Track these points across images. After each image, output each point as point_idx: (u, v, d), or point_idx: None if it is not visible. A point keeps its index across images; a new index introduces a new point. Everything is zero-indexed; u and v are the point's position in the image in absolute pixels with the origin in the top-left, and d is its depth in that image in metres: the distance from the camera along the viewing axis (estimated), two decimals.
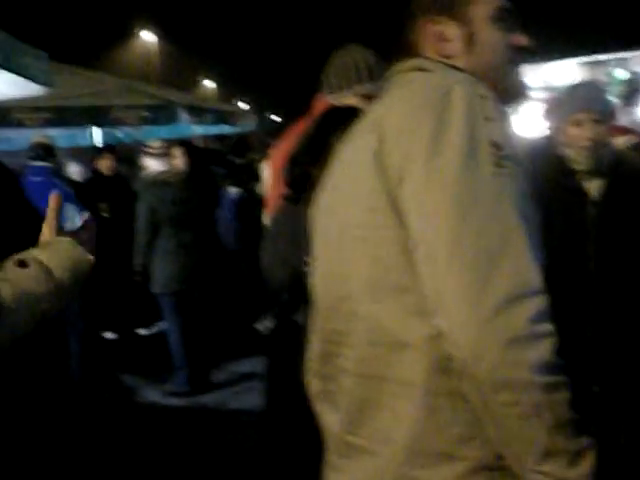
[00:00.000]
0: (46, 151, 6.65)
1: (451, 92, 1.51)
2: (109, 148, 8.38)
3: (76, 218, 6.36)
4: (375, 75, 3.26)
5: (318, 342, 1.83)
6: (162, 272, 6.73)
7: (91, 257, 1.92)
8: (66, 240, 1.87)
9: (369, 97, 3.27)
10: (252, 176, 9.00)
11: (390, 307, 1.57)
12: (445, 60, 1.75)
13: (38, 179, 6.39)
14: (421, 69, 1.73)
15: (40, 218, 1.96)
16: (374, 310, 1.60)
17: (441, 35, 1.76)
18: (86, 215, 6.49)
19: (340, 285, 1.70)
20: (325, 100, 3.38)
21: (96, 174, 8.23)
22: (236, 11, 71.26)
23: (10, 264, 1.75)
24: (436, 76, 1.66)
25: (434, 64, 1.73)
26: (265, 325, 2.94)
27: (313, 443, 2.91)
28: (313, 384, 1.87)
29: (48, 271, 1.77)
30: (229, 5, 69.41)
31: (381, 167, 1.55)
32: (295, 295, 2.87)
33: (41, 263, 1.77)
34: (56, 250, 1.84)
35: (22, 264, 1.75)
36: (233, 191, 8.26)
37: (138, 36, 52.08)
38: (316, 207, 1.91)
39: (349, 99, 3.27)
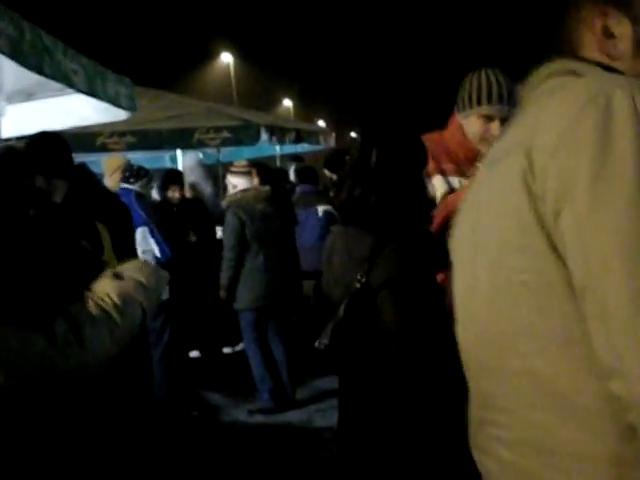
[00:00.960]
0: (131, 174, 6.82)
1: (613, 99, 1.26)
2: (174, 176, 8.39)
3: (151, 243, 6.51)
4: (510, 97, 3.31)
5: (472, 408, 1.61)
6: (248, 288, 6.83)
7: (167, 276, 2.08)
8: (137, 260, 2.08)
9: (489, 117, 3.34)
10: None
11: (557, 362, 1.34)
12: (607, 61, 1.47)
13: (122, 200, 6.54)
14: (572, 72, 1.46)
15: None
16: (537, 366, 1.37)
17: (608, 31, 1.47)
18: (165, 251, 6.66)
19: (494, 338, 1.47)
20: (456, 119, 3.46)
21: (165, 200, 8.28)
22: (313, 31, 71.71)
23: (108, 275, 1.92)
24: (592, 80, 1.38)
25: (589, 66, 1.46)
26: (322, 342, 2.96)
27: (383, 460, 2.93)
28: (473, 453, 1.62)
29: (140, 282, 1.97)
30: (306, 25, 69.89)
31: (533, 195, 1.31)
32: (349, 311, 2.91)
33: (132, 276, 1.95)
34: (137, 267, 2.05)
35: (118, 276, 1.92)
36: (321, 209, 8.25)
37: (217, 58, 52.82)
38: (455, 245, 1.68)
39: (471, 120, 3.35)
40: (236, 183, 7.05)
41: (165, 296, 6.75)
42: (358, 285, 2.87)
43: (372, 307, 2.84)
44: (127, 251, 3.13)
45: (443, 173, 3.46)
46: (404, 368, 2.83)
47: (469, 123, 3.41)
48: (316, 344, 2.94)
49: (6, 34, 3.47)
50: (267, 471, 5.55)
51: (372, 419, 2.91)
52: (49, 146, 3.66)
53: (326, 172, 9.11)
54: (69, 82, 4.28)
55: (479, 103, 3.36)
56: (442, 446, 2.75)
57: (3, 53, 3.46)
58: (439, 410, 2.76)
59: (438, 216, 3.22)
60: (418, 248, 2.89)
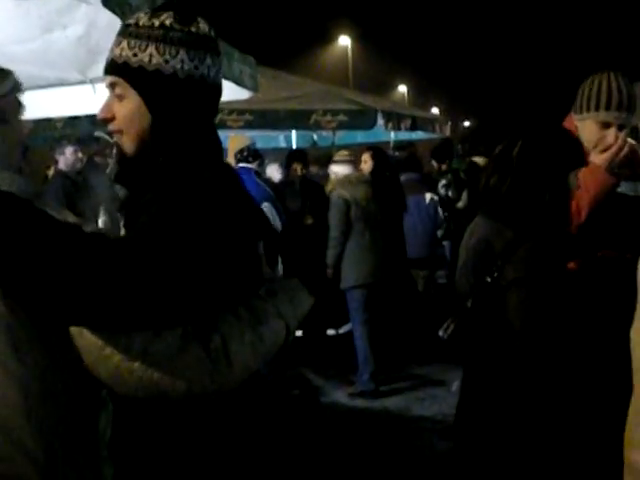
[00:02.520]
0: (250, 153, 6.96)
1: None
2: (299, 155, 8.53)
3: (276, 220, 6.61)
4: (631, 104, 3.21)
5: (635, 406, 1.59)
6: (353, 267, 6.99)
7: (313, 298, 2.06)
8: (295, 281, 2.03)
9: (606, 124, 3.23)
10: (457, 183, 8.98)
11: None
12: None
13: (243, 177, 6.66)
14: None
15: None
16: None
17: None
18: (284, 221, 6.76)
19: None
20: (572, 119, 3.38)
21: (288, 179, 8.43)
22: (431, 17, 71.07)
23: (263, 291, 1.92)
24: None
25: None
26: (446, 332, 2.96)
27: (500, 455, 2.91)
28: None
29: (291, 301, 1.96)
30: (426, 10, 69.32)
31: None
32: (478, 304, 2.90)
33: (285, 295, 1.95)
34: (287, 286, 2.01)
35: (270, 293, 1.93)
36: (428, 197, 8.28)
37: (335, 40, 52.89)
38: None
39: (587, 124, 3.26)
40: (338, 171, 7.36)
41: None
42: (489, 279, 2.86)
43: (500, 304, 2.83)
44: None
45: None
46: (526, 368, 2.81)
47: (584, 127, 3.31)
48: (440, 333, 2.95)
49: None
50: (361, 455, 5.59)
51: (493, 414, 2.90)
52: None
53: (433, 162, 9.09)
54: None
55: (597, 108, 3.25)
56: (563, 446, 2.72)
57: None
58: (559, 413, 2.73)
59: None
60: (553, 249, 2.86)
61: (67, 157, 7.28)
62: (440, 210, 8.42)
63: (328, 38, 54.36)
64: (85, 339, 1.64)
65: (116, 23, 3.31)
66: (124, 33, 1.96)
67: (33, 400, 1.62)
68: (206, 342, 1.74)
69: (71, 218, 1.73)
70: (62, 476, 1.67)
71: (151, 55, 1.90)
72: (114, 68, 1.95)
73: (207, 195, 1.83)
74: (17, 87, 2.00)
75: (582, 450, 2.68)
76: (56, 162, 7.64)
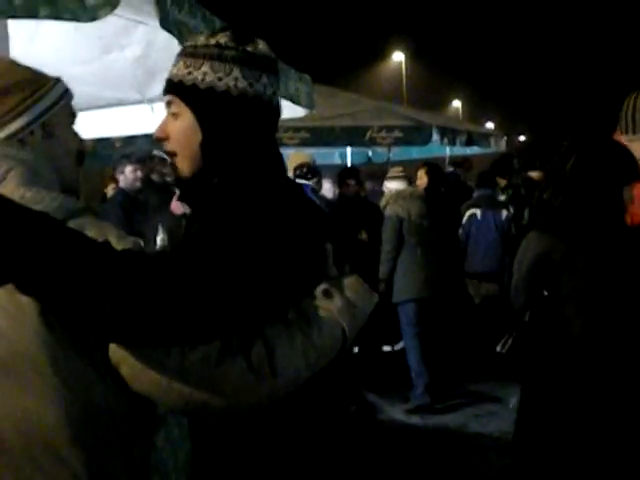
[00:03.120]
0: (309, 170, 7.01)
1: None
2: (352, 172, 8.55)
3: None
4: None
5: None
6: (404, 281, 7.03)
7: (376, 296, 1.99)
8: (356, 279, 1.94)
9: None
10: (518, 199, 8.91)
11: None
12: None
13: None
14: None
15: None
16: None
17: None
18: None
19: None
20: (620, 137, 3.32)
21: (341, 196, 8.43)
22: (485, 32, 70.77)
23: (319, 292, 1.83)
24: None
25: None
26: (504, 347, 2.93)
27: (560, 472, 2.87)
28: None
29: (349, 302, 1.86)
30: (479, 25, 69.06)
31: None
32: (535, 318, 2.87)
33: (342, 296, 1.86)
34: (350, 285, 1.90)
35: (328, 294, 1.85)
36: (504, 213, 8.25)
37: (389, 56, 52.97)
38: None
39: (634, 145, 3.21)
40: (392, 187, 7.47)
41: None
42: (546, 293, 2.84)
43: (558, 316, 2.81)
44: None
45: None
46: (587, 381, 2.77)
47: (633, 147, 3.26)
48: (498, 348, 2.93)
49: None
50: (418, 473, 5.55)
51: (553, 431, 2.87)
52: None
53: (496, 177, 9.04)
54: None
55: (635, 131, 3.19)
56: (623, 464, 2.68)
57: None
58: (622, 429, 2.69)
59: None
60: (610, 260, 2.83)
61: (127, 175, 7.37)
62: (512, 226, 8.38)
63: (382, 54, 54.49)
64: (124, 352, 1.64)
65: (174, 44, 3.36)
66: (182, 53, 1.98)
67: (74, 416, 1.62)
68: (247, 351, 1.69)
69: (113, 236, 1.70)
70: None
71: (205, 73, 1.92)
72: (170, 87, 1.97)
73: (260, 205, 1.81)
74: (65, 96, 1.95)
75: None
76: (117, 181, 7.75)
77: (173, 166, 2.02)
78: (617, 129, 3.32)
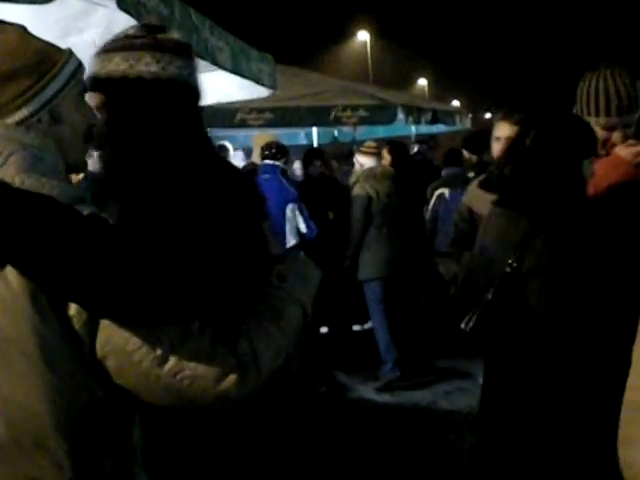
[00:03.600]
0: (278, 151, 6.96)
1: None
2: (317, 152, 8.53)
3: (300, 222, 6.63)
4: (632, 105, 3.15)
5: None
6: (370, 259, 7.08)
7: (321, 271, 2.01)
8: (301, 256, 1.98)
9: (609, 128, 3.19)
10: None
11: None
12: None
13: (267, 176, 6.73)
14: None
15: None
16: None
17: None
18: (312, 228, 6.78)
19: None
20: None
21: (307, 176, 8.44)
22: (448, 9, 70.86)
23: (274, 279, 1.86)
24: None
25: None
26: (468, 324, 2.95)
27: (520, 446, 2.90)
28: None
29: (304, 283, 1.90)
30: (443, 3, 69.13)
31: None
32: (498, 295, 2.89)
33: (296, 274, 1.89)
34: (295, 265, 1.94)
35: (281, 278, 1.87)
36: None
37: (354, 36, 52.86)
38: None
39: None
40: (364, 162, 7.40)
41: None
42: (508, 270, 2.85)
43: (521, 293, 2.82)
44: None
45: None
46: (549, 357, 2.79)
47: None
48: (462, 325, 2.94)
49: (157, 12, 3.57)
50: (389, 450, 5.58)
51: (516, 407, 2.89)
52: None
53: (465, 153, 9.02)
54: (214, 60, 4.36)
55: (597, 114, 3.18)
56: (584, 440, 2.71)
57: None
58: (584, 403, 2.72)
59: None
60: (571, 235, 2.84)
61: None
62: None
63: (347, 34, 54.33)
64: (113, 345, 1.63)
65: (132, 25, 3.34)
66: (95, 54, 2.04)
67: (60, 405, 1.60)
68: (233, 348, 1.71)
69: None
70: None
71: (117, 64, 1.97)
72: (89, 85, 1.99)
73: (186, 188, 1.85)
74: (77, 73, 1.85)
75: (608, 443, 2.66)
76: None
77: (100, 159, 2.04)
78: (574, 110, 3.32)
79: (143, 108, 1.96)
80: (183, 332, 1.66)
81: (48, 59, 1.78)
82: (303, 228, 6.78)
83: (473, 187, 4.21)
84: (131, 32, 2.02)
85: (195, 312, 1.67)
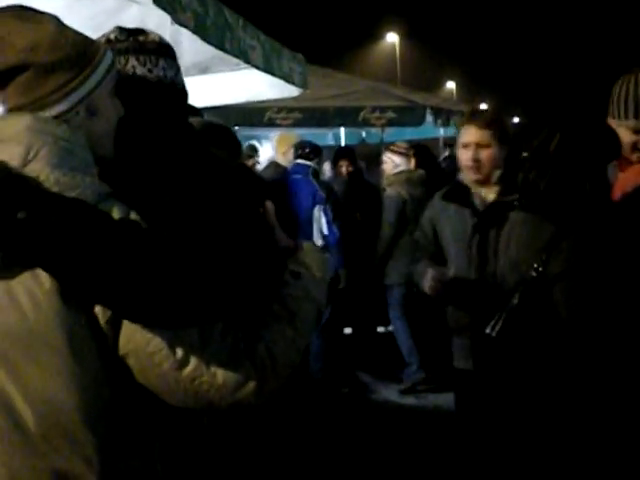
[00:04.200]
0: (311, 150, 6.95)
1: None
2: (347, 152, 8.53)
3: (323, 226, 6.62)
4: None
5: None
6: (398, 265, 6.95)
7: (328, 256, 2.01)
8: (310, 246, 1.98)
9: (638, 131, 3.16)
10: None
11: None
12: None
13: (298, 176, 6.73)
14: None
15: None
16: None
17: None
18: (334, 232, 6.77)
19: None
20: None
21: (337, 176, 8.44)
22: (480, 12, 70.59)
23: (288, 276, 1.87)
24: None
25: None
26: (494, 329, 2.94)
27: (545, 449, 2.89)
28: None
29: (318, 278, 1.90)
30: (474, 6, 68.87)
31: None
32: (524, 300, 2.87)
33: (309, 272, 1.90)
34: (313, 258, 1.95)
35: (295, 275, 1.87)
36: None
37: (383, 37, 52.81)
38: None
39: (621, 130, 3.20)
40: (398, 162, 7.31)
41: (342, 284, 6.94)
42: (534, 274, 2.84)
43: (547, 298, 2.81)
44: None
45: None
46: (574, 360, 2.78)
47: (620, 132, 3.24)
48: (487, 330, 2.93)
49: (191, 9, 3.58)
50: (411, 453, 5.56)
51: (535, 409, 2.88)
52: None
53: None
54: (247, 58, 4.37)
55: (626, 117, 3.16)
56: (610, 442, 2.69)
57: (187, 28, 3.56)
58: (608, 405, 2.70)
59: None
60: (597, 239, 2.83)
61: None
62: None
63: (376, 35, 54.31)
64: (135, 344, 1.63)
65: (166, 22, 3.35)
66: None
67: (88, 400, 1.61)
68: (252, 352, 1.72)
69: (138, 220, 1.68)
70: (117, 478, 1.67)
71: None
72: None
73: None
74: (112, 69, 1.85)
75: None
76: None
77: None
78: (612, 115, 3.29)
79: (133, 111, 1.93)
80: (204, 337, 1.66)
81: (87, 52, 1.77)
82: (325, 230, 6.77)
83: (436, 200, 3.93)
84: (112, 36, 1.99)
85: (216, 315, 1.67)
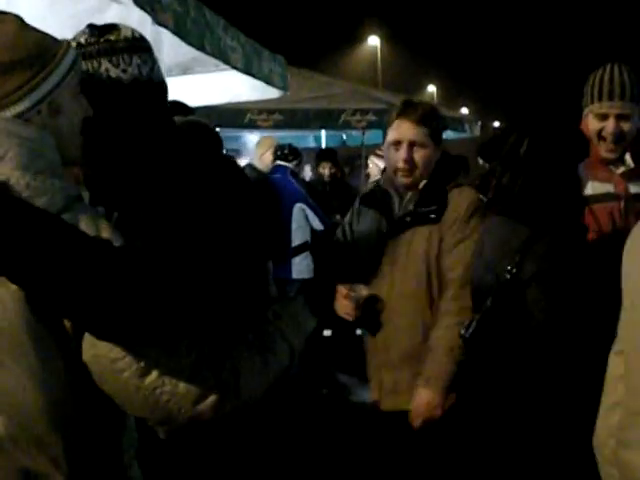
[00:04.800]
0: (290, 152, 6.99)
1: None
2: (329, 154, 8.55)
3: (315, 220, 6.63)
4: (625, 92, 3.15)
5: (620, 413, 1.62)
6: None
7: (316, 319, 2.06)
8: (300, 301, 2.02)
9: (603, 115, 3.20)
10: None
11: None
12: None
13: (277, 176, 6.78)
14: None
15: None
16: None
17: None
18: (326, 221, 6.77)
19: None
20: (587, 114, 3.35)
21: (318, 177, 8.48)
22: (459, 18, 70.87)
23: (270, 314, 1.92)
24: None
25: None
26: (468, 330, 2.96)
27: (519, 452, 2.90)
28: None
29: (297, 323, 1.97)
30: (454, 11, 69.11)
31: None
32: (498, 302, 2.89)
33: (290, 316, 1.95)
34: (292, 308, 2.00)
35: (277, 315, 1.92)
36: None
37: (364, 40, 52.89)
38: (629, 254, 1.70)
39: (588, 119, 3.23)
40: (378, 163, 7.37)
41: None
42: (508, 276, 2.85)
43: (521, 300, 2.82)
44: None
45: None
46: (547, 362, 2.80)
47: (587, 121, 3.27)
48: (461, 332, 2.94)
49: (172, 10, 3.57)
50: (390, 452, 5.56)
51: (513, 411, 2.89)
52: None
53: (480, 161, 9.01)
54: (227, 59, 4.36)
55: (592, 101, 3.21)
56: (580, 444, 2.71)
57: (167, 28, 3.56)
58: (582, 408, 2.72)
59: None
60: (571, 243, 2.85)
61: None
62: None
63: (357, 38, 54.35)
64: (98, 349, 1.63)
65: (146, 21, 3.34)
66: None
67: (53, 401, 1.62)
68: (218, 372, 1.72)
69: (103, 227, 1.66)
70: None
71: None
72: None
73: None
74: (75, 66, 1.83)
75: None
76: None
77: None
78: (584, 105, 3.33)
79: (111, 114, 1.94)
80: (169, 348, 1.66)
81: (48, 50, 1.76)
82: (317, 225, 6.77)
83: (356, 203, 3.66)
84: (82, 39, 1.97)
85: (180, 332, 1.67)
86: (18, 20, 1.76)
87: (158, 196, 1.86)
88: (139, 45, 2.02)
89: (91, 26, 2.01)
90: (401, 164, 3.19)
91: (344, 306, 3.34)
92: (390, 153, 3.26)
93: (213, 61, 4.42)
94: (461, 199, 3.21)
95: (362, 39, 53.70)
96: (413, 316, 3.24)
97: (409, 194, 3.28)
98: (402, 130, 3.20)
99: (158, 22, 3.40)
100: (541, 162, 2.92)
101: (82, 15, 3.59)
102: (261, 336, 1.85)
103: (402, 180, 3.24)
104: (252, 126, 9.48)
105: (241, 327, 1.84)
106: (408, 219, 3.24)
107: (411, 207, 3.25)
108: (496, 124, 54.41)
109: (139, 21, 3.28)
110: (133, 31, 2.03)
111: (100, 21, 3.63)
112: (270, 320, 1.91)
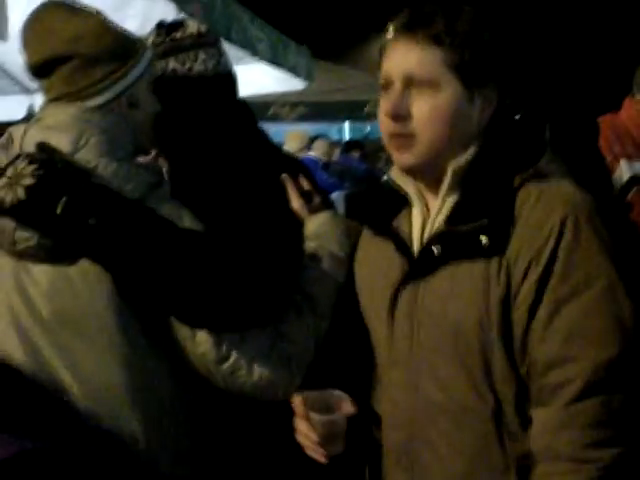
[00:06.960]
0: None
1: None
2: (357, 144, 8.55)
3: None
4: None
5: None
6: None
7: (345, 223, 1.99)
8: (323, 215, 1.97)
9: None
10: None
11: None
12: None
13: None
14: None
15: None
16: None
17: None
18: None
19: None
20: (631, 101, 3.30)
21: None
22: (485, 6, 70.77)
23: (307, 260, 1.87)
24: None
25: None
26: None
27: None
28: None
29: (336, 256, 1.89)
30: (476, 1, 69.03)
31: None
32: None
33: (327, 251, 1.90)
34: (329, 230, 1.95)
35: (314, 258, 1.88)
36: None
37: (388, 31, 52.84)
38: None
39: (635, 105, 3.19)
40: None
41: None
42: None
43: None
44: None
45: (629, 157, 3.29)
46: None
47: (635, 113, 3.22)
48: None
49: (199, 0, 3.56)
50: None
51: None
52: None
53: None
54: (254, 50, 4.35)
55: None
56: None
57: (195, 19, 3.54)
58: None
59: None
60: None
61: None
62: None
63: (381, 29, 54.32)
64: (182, 332, 1.69)
65: (170, 15, 3.32)
66: None
67: (136, 381, 1.67)
68: (280, 350, 1.76)
69: (185, 215, 1.73)
70: (161, 460, 1.71)
71: None
72: None
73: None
74: (151, 64, 1.91)
75: None
76: None
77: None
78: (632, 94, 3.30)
79: (181, 110, 1.99)
80: (243, 334, 1.71)
81: (129, 46, 1.83)
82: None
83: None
84: (150, 40, 2.01)
85: (265, 319, 1.75)
86: (102, 16, 1.82)
87: (233, 186, 1.93)
88: (204, 41, 2.05)
89: (159, 25, 2.06)
90: (386, 124, 1.59)
91: (304, 434, 1.71)
92: (380, 116, 1.63)
93: (238, 53, 4.40)
94: (554, 203, 1.54)
95: (383, 31, 53.61)
96: (462, 447, 1.55)
97: (443, 192, 1.60)
98: (396, 58, 1.64)
99: (186, 12, 3.39)
100: (567, 149, 2.88)
101: (107, 10, 3.57)
102: (307, 292, 1.85)
103: (399, 161, 1.63)
104: (275, 119, 9.45)
105: (287, 291, 1.84)
106: (436, 250, 1.56)
107: (441, 223, 1.59)
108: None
109: (162, 14, 3.25)
110: (199, 26, 2.07)
111: (124, 17, 3.63)
112: (308, 266, 1.89)
